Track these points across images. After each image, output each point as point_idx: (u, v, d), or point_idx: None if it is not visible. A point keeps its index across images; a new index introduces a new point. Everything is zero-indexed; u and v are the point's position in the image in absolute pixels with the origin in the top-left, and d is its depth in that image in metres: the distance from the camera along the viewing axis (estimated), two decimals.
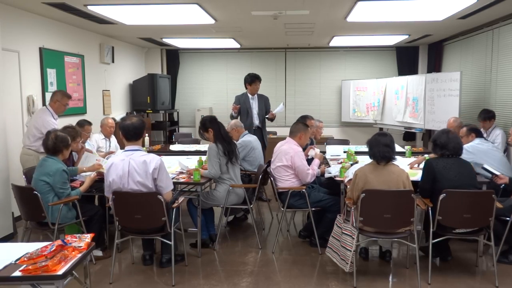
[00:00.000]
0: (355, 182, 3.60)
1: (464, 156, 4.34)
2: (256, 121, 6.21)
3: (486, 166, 4.28)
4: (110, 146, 5.48)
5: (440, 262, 3.99)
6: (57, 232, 3.74)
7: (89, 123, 5.04)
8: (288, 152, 4.34)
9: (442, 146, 3.67)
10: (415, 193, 3.58)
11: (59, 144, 3.79)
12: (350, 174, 3.99)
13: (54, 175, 3.69)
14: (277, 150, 4.48)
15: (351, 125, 9.67)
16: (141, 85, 8.70)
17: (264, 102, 6.33)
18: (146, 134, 5.63)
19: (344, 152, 5.51)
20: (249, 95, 6.22)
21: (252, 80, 6.17)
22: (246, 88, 6.25)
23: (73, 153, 4.58)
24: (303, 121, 4.82)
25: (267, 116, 6.25)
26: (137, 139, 3.54)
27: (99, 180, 4.10)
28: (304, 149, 4.62)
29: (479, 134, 4.76)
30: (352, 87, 9.37)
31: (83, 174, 4.28)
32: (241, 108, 6.16)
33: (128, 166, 3.43)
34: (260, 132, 6.20)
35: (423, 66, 9.34)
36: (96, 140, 5.38)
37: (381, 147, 3.55)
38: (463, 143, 4.72)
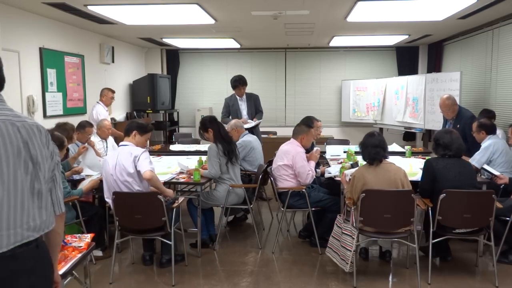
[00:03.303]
0: (354, 184, 3.60)
1: (480, 155, 4.37)
2: None
3: (485, 166, 4.28)
4: (107, 147, 5.46)
5: (440, 262, 3.99)
6: None
7: (90, 125, 5.04)
8: (289, 152, 4.34)
9: (445, 146, 3.67)
10: (415, 193, 3.58)
11: None
12: (348, 172, 3.99)
13: None
14: (280, 150, 4.50)
15: (351, 125, 9.67)
16: (141, 85, 8.70)
17: (253, 102, 6.25)
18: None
19: (344, 152, 5.51)
20: (237, 97, 6.19)
21: (234, 85, 6.08)
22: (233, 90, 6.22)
23: (70, 148, 4.59)
24: (307, 123, 4.81)
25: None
26: (125, 134, 3.82)
27: (101, 180, 4.11)
28: (308, 151, 4.62)
29: (490, 131, 4.60)
30: (352, 87, 9.37)
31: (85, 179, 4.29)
32: (231, 110, 6.14)
33: (116, 158, 3.65)
34: (251, 132, 5.99)
35: (423, 66, 9.34)
36: (94, 143, 5.33)
37: (370, 149, 3.57)
38: (477, 139, 4.72)
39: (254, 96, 6.32)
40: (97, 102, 6.35)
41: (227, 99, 6.25)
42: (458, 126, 5.09)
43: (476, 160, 4.42)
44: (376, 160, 3.57)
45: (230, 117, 6.08)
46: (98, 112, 6.15)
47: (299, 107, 9.68)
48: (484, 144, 4.54)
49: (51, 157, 1.62)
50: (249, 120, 6.09)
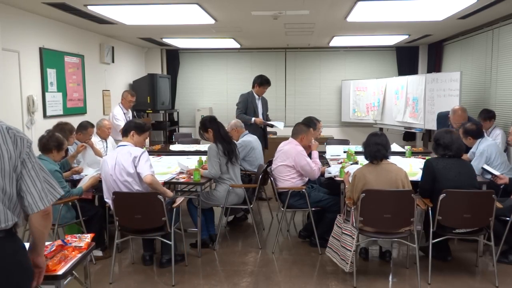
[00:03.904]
0: (354, 183, 3.60)
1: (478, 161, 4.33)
2: None
3: (485, 166, 4.27)
4: (107, 147, 5.46)
5: (440, 262, 3.98)
6: (57, 232, 3.74)
7: (92, 125, 5.03)
8: (290, 153, 4.34)
9: (445, 146, 3.67)
10: (415, 193, 3.58)
11: (50, 143, 3.75)
12: (351, 170, 3.99)
13: None
14: (279, 150, 4.49)
15: (351, 125, 9.67)
16: (141, 85, 8.70)
17: (265, 104, 6.41)
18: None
19: (344, 152, 5.51)
20: (256, 95, 6.26)
21: (262, 83, 6.22)
22: (253, 88, 6.26)
23: (69, 147, 4.59)
24: (308, 123, 4.80)
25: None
26: (123, 135, 3.84)
27: (100, 180, 4.10)
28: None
29: (477, 135, 4.62)
30: (352, 87, 9.37)
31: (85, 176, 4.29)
32: (248, 108, 6.19)
33: (115, 158, 3.65)
34: (263, 132, 6.26)
35: (423, 66, 9.34)
36: (93, 142, 5.32)
37: (372, 147, 3.57)
38: (467, 144, 4.69)
39: (266, 100, 6.46)
40: (118, 104, 6.47)
41: (245, 96, 6.27)
42: None
43: (473, 167, 4.39)
44: (377, 158, 3.57)
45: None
46: (114, 114, 6.28)
47: (299, 107, 9.68)
48: (477, 150, 4.52)
49: (8, 156, 1.71)
50: (274, 123, 6.31)
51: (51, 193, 1.83)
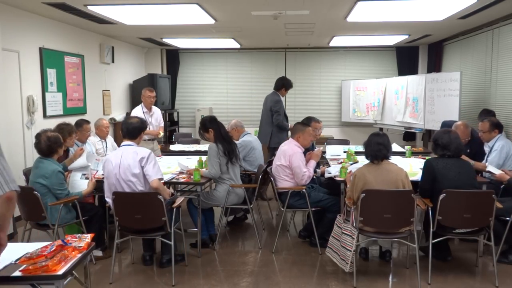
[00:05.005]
0: (355, 183, 3.60)
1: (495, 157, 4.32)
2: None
3: (489, 168, 4.25)
4: (107, 147, 5.46)
5: (440, 262, 3.98)
6: (57, 232, 3.74)
7: (88, 122, 5.03)
8: (287, 152, 4.34)
9: (443, 146, 3.67)
10: (415, 193, 3.58)
11: (53, 145, 3.75)
12: (353, 169, 3.99)
13: (50, 177, 3.68)
14: (279, 149, 4.50)
15: (351, 125, 9.67)
16: (141, 85, 8.65)
17: None
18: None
19: (344, 152, 5.51)
20: (282, 98, 6.37)
21: (288, 87, 6.44)
22: (279, 90, 6.36)
23: (70, 149, 4.57)
24: (307, 123, 4.81)
25: None
26: (131, 137, 3.77)
27: (100, 180, 4.10)
28: (308, 150, 4.63)
29: (502, 129, 4.61)
30: (352, 87, 9.37)
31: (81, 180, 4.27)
32: (283, 110, 6.30)
33: (120, 157, 3.62)
34: (284, 133, 6.35)
35: (423, 66, 9.34)
36: (93, 142, 5.27)
37: (373, 146, 3.57)
38: (484, 139, 4.65)
39: None
40: (140, 105, 6.11)
41: (279, 100, 6.32)
42: (468, 150, 4.75)
43: (494, 163, 4.35)
44: (378, 158, 3.57)
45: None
46: (133, 113, 5.90)
47: (299, 107, 9.68)
48: (496, 145, 4.50)
49: None
50: None
51: (6, 183, 1.90)
